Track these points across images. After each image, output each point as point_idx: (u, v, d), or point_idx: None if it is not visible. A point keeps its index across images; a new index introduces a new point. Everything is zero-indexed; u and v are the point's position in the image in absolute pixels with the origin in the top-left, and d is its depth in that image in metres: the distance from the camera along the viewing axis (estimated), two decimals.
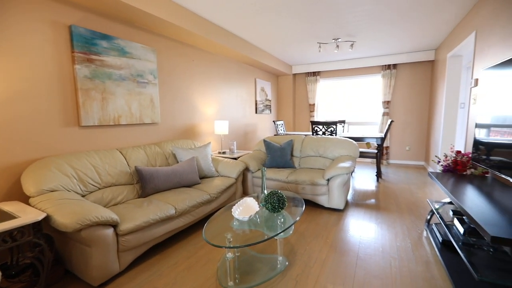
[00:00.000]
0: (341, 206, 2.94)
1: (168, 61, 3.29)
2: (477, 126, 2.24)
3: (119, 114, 2.67)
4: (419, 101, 5.52)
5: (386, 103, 5.66)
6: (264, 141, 3.75)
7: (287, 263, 1.96)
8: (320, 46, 4.48)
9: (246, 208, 1.95)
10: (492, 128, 1.97)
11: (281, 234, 1.80)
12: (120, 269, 1.84)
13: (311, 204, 3.23)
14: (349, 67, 5.91)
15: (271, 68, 5.58)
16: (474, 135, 2.27)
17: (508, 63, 1.76)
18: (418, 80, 5.48)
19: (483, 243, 1.64)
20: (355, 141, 4.32)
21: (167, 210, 2.12)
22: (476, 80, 2.79)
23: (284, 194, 1.95)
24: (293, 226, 2.08)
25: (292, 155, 3.80)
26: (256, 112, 5.54)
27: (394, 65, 5.54)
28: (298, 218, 1.91)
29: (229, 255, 1.66)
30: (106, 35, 2.51)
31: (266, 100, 5.99)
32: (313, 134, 4.64)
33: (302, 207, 2.09)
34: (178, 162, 2.92)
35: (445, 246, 2.03)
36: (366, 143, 5.33)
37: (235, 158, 3.76)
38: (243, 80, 5.04)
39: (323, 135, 4.24)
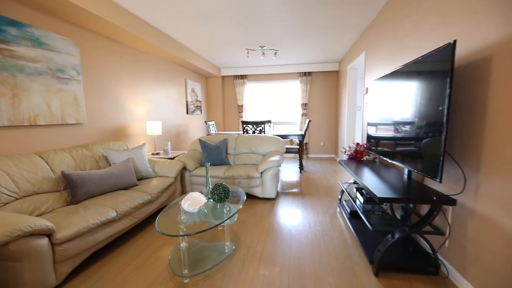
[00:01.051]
0: (273, 195, 3.35)
1: (94, 56, 3.03)
2: (368, 124, 2.97)
3: (35, 113, 2.36)
4: (329, 104, 6.60)
5: (304, 105, 6.54)
6: (200, 140, 3.86)
7: (234, 247, 2.19)
8: (248, 52, 4.87)
9: (194, 201, 2.08)
10: (377, 126, 2.68)
11: (228, 221, 2.01)
12: (57, 282, 1.70)
13: (248, 196, 3.54)
14: (273, 72, 6.56)
15: (201, 70, 5.68)
16: (367, 131, 3.01)
17: (384, 77, 2.45)
18: (328, 86, 6.55)
19: (375, 208, 2.26)
20: (281, 138, 4.88)
21: (107, 213, 2.04)
22: (367, 88, 3.65)
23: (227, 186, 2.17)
24: (237, 214, 2.32)
25: (227, 153, 4.03)
26: (187, 113, 5.54)
27: (309, 73, 6.45)
28: (241, 207, 2.15)
29: (183, 244, 1.77)
30: (15, 21, 2.19)
31: (197, 101, 6.04)
32: (244, 133, 5.00)
33: (244, 196, 2.35)
34: (110, 165, 2.76)
35: (352, 216, 2.64)
36: (289, 140, 6.04)
37: (171, 158, 3.75)
38: (174, 81, 4.98)
39: (253, 134, 4.63)
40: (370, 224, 1.89)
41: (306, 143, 6.73)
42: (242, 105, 6.84)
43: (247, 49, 4.82)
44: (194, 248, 2.16)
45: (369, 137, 2.91)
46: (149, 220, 2.81)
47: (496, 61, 1.37)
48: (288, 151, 4.91)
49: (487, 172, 1.43)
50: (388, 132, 2.38)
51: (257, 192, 3.37)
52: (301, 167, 5.06)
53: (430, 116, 1.67)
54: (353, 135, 5.10)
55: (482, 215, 1.47)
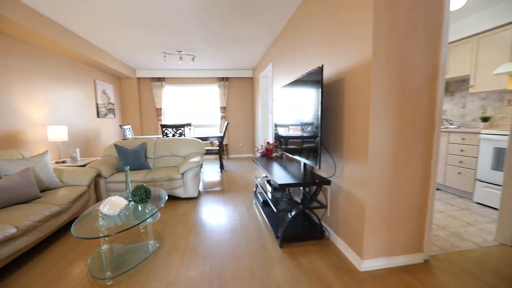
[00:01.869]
0: (195, 194, 3.54)
1: None
2: (275, 125, 3.53)
3: None
4: (246, 107, 7.16)
5: (223, 108, 6.90)
6: (116, 145, 3.70)
7: (158, 245, 2.30)
8: (165, 56, 4.87)
9: (113, 205, 2.09)
10: (281, 127, 3.24)
11: (150, 219, 2.13)
12: None
13: (170, 198, 3.62)
14: (192, 76, 6.68)
15: (113, 70, 5.31)
16: (275, 131, 3.56)
17: (284, 86, 3.01)
18: (244, 91, 7.10)
19: (283, 196, 2.76)
20: (201, 140, 5.08)
21: (4, 230, 1.85)
22: (275, 94, 4.26)
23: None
24: (159, 212, 2.43)
25: (146, 157, 3.98)
26: (98, 116, 5.09)
27: (227, 78, 6.85)
28: (162, 205, 2.28)
29: (105, 247, 1.81)
30: None
31: (109, 103, 5.60)
32: (163, 137, 4.97)
33: (165, 196, 2.48)
34: (1, 178, 2.42)
35: (264, 204, 3.11)
36: (210, 142, 6.29)
37: (82, 166, 3.46)
38: (80, 81, 4.52)
39: (173, 137, 4.68)
40: (275, 207, 2.35)
41: (226, 144, 7.11)
42: (160, 108, 6.68)
43: (164, 52, 4.83)
44: (117, 253, 2.17)
45: (276, 137, 3.46)
46: (60, 232, 2.59)
47: (346, 81, 1.98)
48: (209, 152, 5.15)
49: (346, 159, 2.05)
50: (288, 132, 2.93)
51: (179, 192, 3.50)
52: (222, 167, 5.38)
53: (312, 119, 2.22)
54: (266, 135, 5.74)
55: (345, 189, 2.08)
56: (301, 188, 2.75)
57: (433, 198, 1.91)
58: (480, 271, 1.84)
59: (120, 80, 6.32)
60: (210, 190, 4.05)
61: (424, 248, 1.95)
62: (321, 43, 2.41)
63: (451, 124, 3.92)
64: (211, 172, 5.35)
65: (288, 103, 2.92)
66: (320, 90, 2.02)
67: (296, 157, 2.65)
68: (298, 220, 2.61)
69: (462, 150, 3.26)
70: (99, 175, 3.27)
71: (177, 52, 4.88)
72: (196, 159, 3.61)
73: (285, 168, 2.74)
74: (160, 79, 6.56)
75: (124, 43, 4.27)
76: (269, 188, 2.91)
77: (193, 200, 3.56)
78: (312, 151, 2.23)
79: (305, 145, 2.42)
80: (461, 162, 3.28)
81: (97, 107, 5.09)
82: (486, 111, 3.48)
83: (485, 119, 3.40)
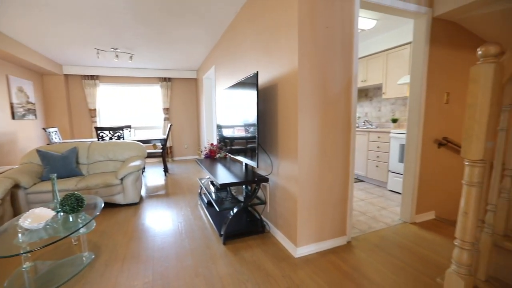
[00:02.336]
0: (136, 200, 3.39)
1: None
2: (218, 126, 3.61)
3: None
4: (190, 108, 7.05)
5: (166, 110, 6.67)
6: (38, 151, 3.29)
7: (93, 256, 2.16)
8: (98, 53, 4.50)
9: (36, 218, 1.90)
10: (224, 128, 3.34)
11: (83, 229, 2.00)
12: None
13: (109, 205, 3.39)
14: (132, 75, 6.28)
15: (32, 65, 4.66)
16: (218, 132, 3.65)
17: (226, 89, 3.12)
18: (189, 92, 6.98)
19: (227, 196, 2.86)
20: (143, 143, 4.85)
21: None
22: (218, 96, 4.34)
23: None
24: (94, 221, 2.29)
25: (78, 162, 3.63)
26: (13, 118, 4.41)
27: (169, 78, 6.64)
28: (98, 213, 2.16)
29: (27, 264, 1.64)
30: None
31: (28, 102, 4.89)
32: (99, 140, 4.59)
33: (101, 203, 2.34)
34: None
35: (209, 205, 3.16)
36: (152, 145, 6.01)
37: None
38: None
39: (110, 140, 4.36)
40: (218, 207, 2.44)
41: (171, 147, 6.89)
42: (95, 109, 6.11)
43: (97, 49, 4.46)
44: (44, 270, 1.97)
45: (220, 138, 3.55)
46: None
47: (279, 87, 2.20)
48: (152, 155, 4.95)
49: (281, 158, 2.26)
50: (230, 133, 3.05)
51: (119, 199, 3.30)
52: (166, 170, 5.22)
53: (250, 121, 2.38)
54: (211, 136, 5.78)
55: (281, 185, 2.30)
56: (244, 186, 2.91)
57: (353, 189, 2.25)
58: (387, 245, 2.25)
59: (42, 76, 5.57)
60: (153, 194, 3.91)
61: (347, 232, 2.28)
62: (257, 52, 2.59)
63: (371, 124, 4.58)
64: (154, 176, 5.14)
65: (229, 105, 3.04)
66: (256, 94, 2.19)
67: (238, 157, 2.78)
68: (241, 217, 2.75)
69: (378, 147, 3.86)
70: (16, 186, 2.87)
71: (112, 50, 4.56)
72: (137, 163, 3.46)
73: (228, 168, 2.85)
74: (93, 77, 6.00)
75: (46, 34, 3.81)
76: (212, 189, 2.98)
77: (135, 206, 3.40)
78: (251, 151, 2.39)
79: (245, 146, 2.57)
80: (378, 157, 3.88)
81: (12, 107, 4.40)
82: (395, 113, 4.18)
83: (394, 121, 4.09)
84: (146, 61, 5.52)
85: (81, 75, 5.99)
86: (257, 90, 2.19)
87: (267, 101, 2.46)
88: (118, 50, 4.59)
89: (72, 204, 2.02)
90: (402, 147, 3.47)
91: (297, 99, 1.94)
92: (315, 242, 2.16)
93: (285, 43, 2.05)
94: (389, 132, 3.65)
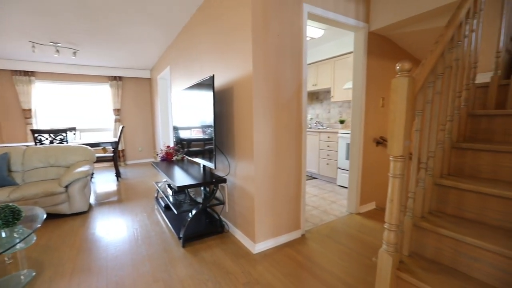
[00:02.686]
0: (85, 208, 3.15)
1: None
2: (175, 128, 3.55)
3: None
4: (145, 109, 6.72)
5: (117, 111, 6.25)
6: None
7: (34, 273, 1.97)
8: (34, 46, 4.04)
9: None
10: (181, 130, 3.29)
11: (21, 245, 1.81)
12: None
13: (52, 216, 3.08)
14: (76, 73, 5.74)
15: None
16: (175, 134, 3.58)
17: (182, 91, 3.08)
18: (142, 92, 6.64)
19: (186, 198, 2.83)
20: (91, 147, 4.49)
21: None
22: (174, 97, 4.24)
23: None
24: (34, 235, 2.08)
25: (10, 170, 3.22)
26: None
27: (120, 77, 6.24)
28: (39, 225, 1.97)
29: None
30: None
31: None
32: (36, 144, 4.12)
33: (43, 214, 2.13)
34: None
35: (166, 209, 3.09)
36: (102, 148, 5.60)
37: None
38: None
39: (51, 145, 3.95)
40: (176, 209, 2.42)
41: (123, 150, 6.48)
42: (30, 109, 5.44)
43: (32, 42, 3.99)
44: None
45: (176, 140, 3.49)
46: None
47: (235, 90, 2.27)
48: (102, 159, 4.60)
49: (238, 159, 2.34)
50: (187, 135, 3.03)
51: (64, 208, 3.03)
52: (118, 175, 4.91)
53: (207, 123, 2.41)
54: (167, 139, 5.60)
55: (239, 185, 2.37)
56: (202, 188, 2.91)
57: (305, 185, 2.44)
58: (336, 235, 2.48)
59: None
60: (104, 201, 3.66)
61: (301, 226, 2.46)
62: (213, 55, 2.63)
63: (322, 125, 4.95)
64: (105, 182, 4.78)
65: (186, 107, 3.02)
66: (212, 96, 2.24)
67: (195, 159, 2.78)
68: (200, 218, 2.76)
69: (328, 146, 4.19)
70: None
71: (51, 44, 4.13)
72: (84, 168, 3.21)
73: (185, 170, 2.83)
74: (27, 73, 5.33)
75: None
76: (170, 192, 2.93)
77: (83, 215, 3.15)
78: (208, 153, 2.43)
79: (202, 147, 2.59)
80: (328, 155, 4.22)
81: None
82: (342, 115, 4.59)
83: (341, 122, 4.49)
84: (93, 57, 5.11)
85: (11, 70, 5.27)
86: (214, 93, 2.23)
87: (223, 103, 2.51)
88: (58, 44, 4.17)
89: (6, 217, 1.81)
90: (348, 145, 3.83)
91: (252, 102, 2.03)
92: (272, 237, 2.28)
93: (240, 48, 2.13)
94: (337, 132, 4.00)
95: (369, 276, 1.85)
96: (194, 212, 2.40)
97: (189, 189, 3.15)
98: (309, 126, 5.14)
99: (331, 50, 4.31)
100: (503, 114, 1.48)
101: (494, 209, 1.27)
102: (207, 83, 2.34)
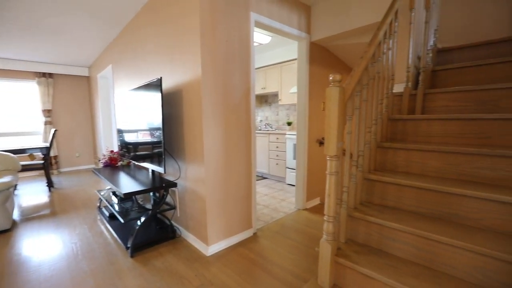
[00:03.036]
0: (7, 226, 2.73)
1: None
2: (119, 131, 3.32)
3: None
4: (82, 110, 6.08)
5: (47, 112, 5.53)
6: None
7: None
8: None
9: None
10: (126, 133, 3.10)
11: None
12: None
13: None
14: None
15: None
16: (119, 138, 3.35)
17: (128, 92, 2.91)
18: (79, 92, 6.00)
19: (133, 206, 2.67)
20: (14, 153, 3.90)
21: None
22: (117, 98, 3.96)
23: None
24: None
25: None
26: None
27: (51, 74, 5.54)
28: None
29: None
30: None
31: None
32: None
33: None
34: None
35: (111, 218, 2.88)
36: (28, 155, 4.89)
37: None
38: None
39: None
40: (122, 218, 2.28)
41: (56, 156, 5.76)
42: None
43: None
44: None
45: (121, 144, 3.27)
46: None
47: (184, 92, 2.26)
48: (29, 168, 4.03)
49: (188, 162, 2.32)
50: (133, 138, 2.88)
51: None
52: (51, 184, 4.36)
53: (156, 125, 2.34)
54: (110, 143, 5.18)
55: (190, 188, 2.36)
56: (151, 193, 2.80)
57: (255, 185, 2.54)
58: (285, 230, 2.65)
59: None
60: (33, 216, 3.21)
61: (253, 224, 2.56)
62: (162, 56, 2.56)
63: (271, 127, 5.17)
64: (34, 193, 4.19)
65: (132, 109, 2.86)
66: (160, 99, 2.18)
67: (143, 164, 2.67)
68: (149, 226, 2.65)
69: (277, 147, 4.41)
70: None
71: None
72: (5, 179, 2.78)
73: (132, 176, 2.68)
74: None
75: None
76: (115, 200, 2.74)
77: (4, 234, 2.72)
78: (157, 157, 2.35)
79: (150, 151, 2.50)
80: (277, 155, 4.44)
81: None
82: (290, 117, 4.88)
83: (289, 124, 4.77)
84: (16, 51, 4.44)
85: None
86: (162, 95, 2.18)
87: (173, 105, 2.47)
88: None
89: None
90: (295, 146, 4.10)
91: (201, 105, 2.05)
92: (225, 238, 2.33)
93: (189, 52, 2.13)
94: (285, 134, 4.24)
95: (314, 265, 2.04)
96: (143, 219, 2.30)
97: (137, 196, 2.99)
98: (259, 128, 5.32)
99: (278, 56, 4.55)
100: (412, 118, 1.80)
101: (407, 197, 1.54)
102: (155, 85, 2.27)
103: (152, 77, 2.79)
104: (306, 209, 3.22)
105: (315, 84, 3.11)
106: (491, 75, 1.83)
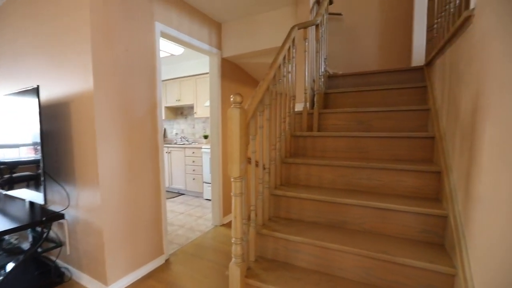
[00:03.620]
0: None
1: None
2: None
3: None
4: None
5: None
6: None
7: None
8: None
9: None
10: None
11: None
12: None
13: None
14: None
15: None
16: None
17: (8, 96, 2.27)
18: None
19: None
20: None
21: None
22: None
23: None
24: None
25: None
26: None
27: None
28: None
29: None
30: None
31: None
32: None
33: None
34: None
35: None
36: None
37: None
38: None
39: None
40: None
41: None
42: None
43: None
44: None
45: None
46: None
47: (73, 106, 1.90)
48: None
49: (80, 187, 1.94)
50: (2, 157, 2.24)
51: None
52: None
53: (32, 142, 1.87)
54: None
55: (83, 219, 1.97)
56: (29, 230, 2.22)
57: (165, 206, 2.33)
58: (201, 251, 2.52)
59: None
60: None
61: (164, 250, 2.32)
62: (45, 59, 2.10)
63: (187, 140, 4.97)
64: None
65: (3, 119, 2.24)
66: (38, 110, 1.77)
67: (14, 192, 2.10)
68: (25, 273, 2.07)
69: (193, 161, 4.25)
70: None
71: None
72: None
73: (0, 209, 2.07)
74: None
75: None
76: None
77: None
78: (36, 182, 1.88)
79: (27, 176, 1.99)
80: (194, 170, 4.27)
81: None
82: (206, 130, 4.81)
83: (205, 137, 4.69)
84: None
85: None
86: (40, 107, 1.77)
87: (59, 119, 2.04)
88: None
89: None
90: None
91: (94, 121, 1.76)
92: (131, 272, 2.03)
93: (77, 60, 1.81)
94: (201, 148, 4.13)
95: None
96: (11, 267, 1.77)
97: (5, 236, 2.31)
98: (174, 141, 5.04)
99: (193, 68, 4.45)
100: (310, 135, 2.00)
101: (308, 209, 1.68)
102: (32, 93, 1.83)
103: (28, 85, 2.26)
104: (223, 225, 3.17)
105: (227, 99, 3.15)
106: (367, 99, 2.24)
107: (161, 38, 2.38)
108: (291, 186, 1.83)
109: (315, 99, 2.22)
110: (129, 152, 1.99)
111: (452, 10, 1.50)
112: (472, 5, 1.17)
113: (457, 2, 1.42)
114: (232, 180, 1.31)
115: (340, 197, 1.57)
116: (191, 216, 3.48)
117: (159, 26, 2.18)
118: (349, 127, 2.09)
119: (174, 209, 3.75)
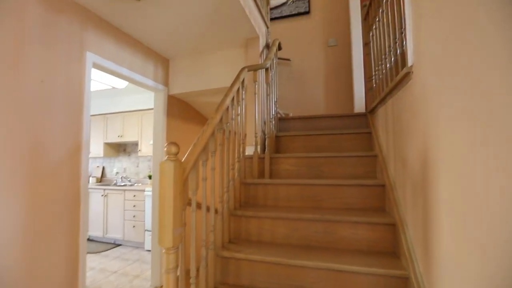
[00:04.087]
0: None
1: None
2: None
3: None
4: None
5: None
6: None
7: None
8: None
9: None
10: None
11: None
12: None
13: None
14: None
15: None
16: None
17: None
18: None
19: None
20: None
21: None
22: None
23: None
24: None
25: None
26: None
27: None
28: None
29: None
30: None
31: None
32: None
33: None
34: None
35: None
36: None
37: None
38: None
39: None
40: None
41: None
42: None
43: None
44: None
45: None
46: None
47: None
48: None
49: None
50: None
51: None
52: None
53: None
54: None
55: None
56: None
57: (84, 271, 1.84)
58: None
59: None
60: None
61: None
62: None
63: (129, 181, 4.41)
64: None
65: None
66: None
67: None
68: None
69: (134, 206, 3.71)
70: None
71: None
72: None
73: None
74: None
75: None
76: None
77: None
78: None
79: None
80: (134, 216, 3.71)
81: None
82: (152, 170, 4.34)
83: (151, 177, 4.21)
84: None
85: None
86: None
87: None
88: None
89: None
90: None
91: None
92: None
93: None
94: (144, 190, 3.66)
95: None
96: None
97: None
98: (114, 182, 4.42)
99: (138, 102, 4.11)
100: (262, 183, 1.84)
101: (259, 273, 1.44)
102: None
103: None
104: None
105: (173, 138, 2.88)
106: (316, 143, 2.21)
107: (98, 70, 2.09)
108: (242, 244, 1.58)
109: (266, 143, 2.11)
110: (35, 209, 1.55)
111: (388, 65, 1.58)
112: (410, 62, 1.21)
113: (393, 59, 1.50)
114: (163, 251, 1.03)
115: (295, 255, 1.38)
116: (127, 275, 2.89)
117: (91, 57, 1.91)
118: (300, 173, 1.99)
119: (106, 267, 3.10)
